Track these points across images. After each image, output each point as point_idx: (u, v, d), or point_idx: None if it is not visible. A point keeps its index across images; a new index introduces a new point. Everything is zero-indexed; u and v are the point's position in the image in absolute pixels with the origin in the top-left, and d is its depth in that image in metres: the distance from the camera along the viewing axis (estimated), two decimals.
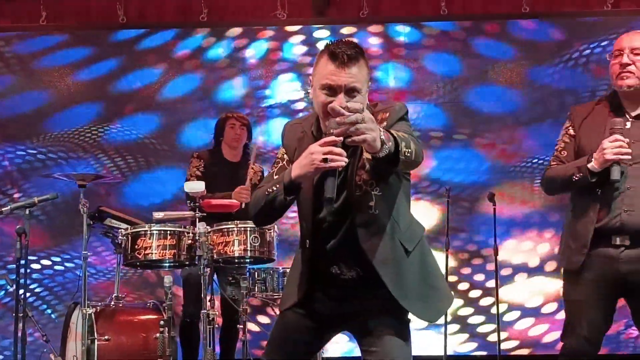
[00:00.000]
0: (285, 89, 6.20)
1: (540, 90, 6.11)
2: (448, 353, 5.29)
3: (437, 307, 2.74)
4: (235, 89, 6.25)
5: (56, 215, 6.00)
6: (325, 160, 2.39)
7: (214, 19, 6.16)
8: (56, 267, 6.14)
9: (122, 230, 4.61)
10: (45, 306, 6.08)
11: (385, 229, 2.59)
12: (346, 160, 2.43)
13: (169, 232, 4.50)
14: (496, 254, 5.26)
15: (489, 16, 6.20)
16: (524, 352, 5.97)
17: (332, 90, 2.53)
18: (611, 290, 3.22)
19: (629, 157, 3.11)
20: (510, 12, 6.16)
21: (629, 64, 3.19)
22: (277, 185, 2.59)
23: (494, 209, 5.30)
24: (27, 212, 4.36)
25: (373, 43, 6.23)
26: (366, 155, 2.50)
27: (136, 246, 4.51)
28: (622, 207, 3.16)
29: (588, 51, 6.07)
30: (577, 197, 3.31)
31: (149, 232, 4.51)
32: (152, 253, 4.49)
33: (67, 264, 6.12)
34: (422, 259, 2.69)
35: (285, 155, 2.74)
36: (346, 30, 6.20)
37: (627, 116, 3.25)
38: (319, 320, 2.73)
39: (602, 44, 6.02)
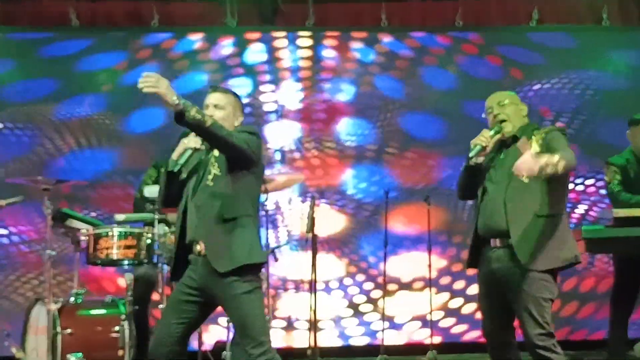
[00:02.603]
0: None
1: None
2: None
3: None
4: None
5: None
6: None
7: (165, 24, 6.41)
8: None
9: (84, 230, 4.86)
10: None
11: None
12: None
13: (129, 233, 4.79)
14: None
15: (426, 28, 6.62)
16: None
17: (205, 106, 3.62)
18: (494, 285, 3.70)
19: (483, 143, 3.69)
20: (444, 25, 6.62)
21: (499, 114, 3.76)
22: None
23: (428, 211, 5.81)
24: None
25: (302, 56, 6.53)
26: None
27: (98, 246, 4.76)
28: (485, 215, 3.70)
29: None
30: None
31: (110, 233, 4.78)
32: (113, 253, 4.76)
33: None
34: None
35: None
36: (280, 42, 6.49)
37: (504, 147, 3.79)
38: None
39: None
